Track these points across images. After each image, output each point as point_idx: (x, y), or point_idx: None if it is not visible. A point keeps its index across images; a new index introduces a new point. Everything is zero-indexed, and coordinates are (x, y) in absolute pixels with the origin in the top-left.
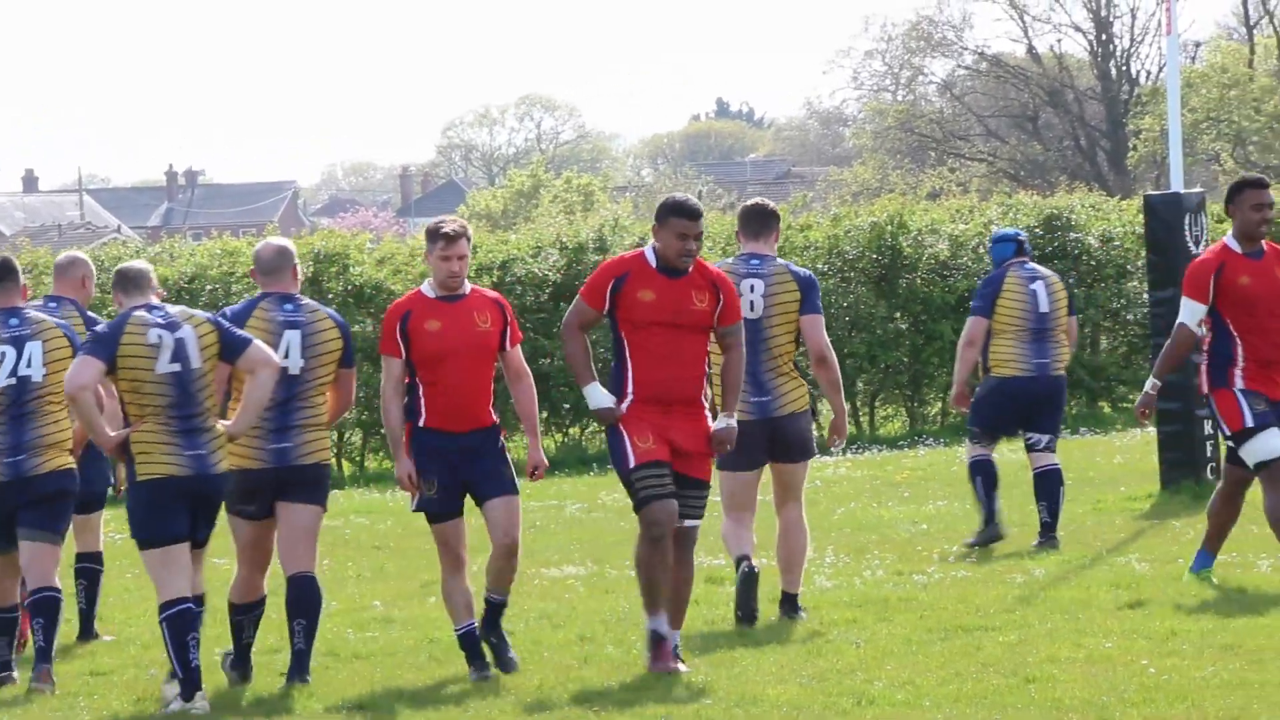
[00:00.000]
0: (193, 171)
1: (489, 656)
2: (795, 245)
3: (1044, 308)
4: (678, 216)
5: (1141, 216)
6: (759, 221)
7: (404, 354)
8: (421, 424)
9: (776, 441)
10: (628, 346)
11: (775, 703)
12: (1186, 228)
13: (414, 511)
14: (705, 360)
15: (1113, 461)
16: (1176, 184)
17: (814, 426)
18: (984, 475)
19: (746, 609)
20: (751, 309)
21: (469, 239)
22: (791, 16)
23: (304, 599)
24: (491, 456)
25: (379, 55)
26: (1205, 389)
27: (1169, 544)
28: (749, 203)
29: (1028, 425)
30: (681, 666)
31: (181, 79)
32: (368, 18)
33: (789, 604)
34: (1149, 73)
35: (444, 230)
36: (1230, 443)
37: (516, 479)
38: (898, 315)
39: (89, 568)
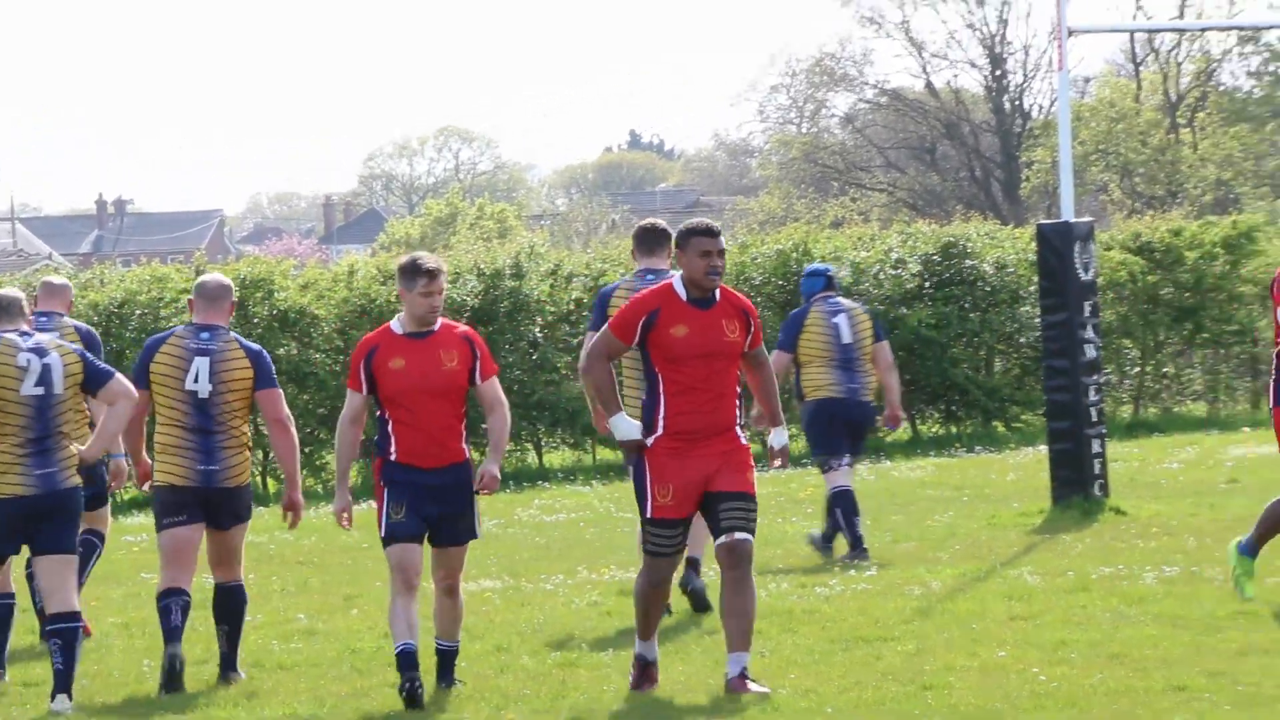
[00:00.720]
0: (122, 200)
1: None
2: None
3: (846, 339)
4: (698, 236)
5: (1034, 244)
6: (652, 239)
7: (366, 390)
8: (393, 458)
9: None
10: (661, 380)
11: (684, 710)
12: (1076, 255)
13: (383, 537)
14: (737, 387)
15: (1006, 479)
16: (1067, 213)
17: None
18: (843, 506)
19: (701, 607)
20: None
21: (445, 273)
22: (701, 52)
23: (229, 605)
24: (459, 501)
25: (302, 88)
26: (1272, 402)
27: (1059, 557)
28: (643, 223)
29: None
30: (755, 687)
31: (111, 110)
32: (291, 52)
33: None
34: (1041, 107)
35: (427, 267)
36: None
37: (478, 525)
38: None
39: (87, 539)
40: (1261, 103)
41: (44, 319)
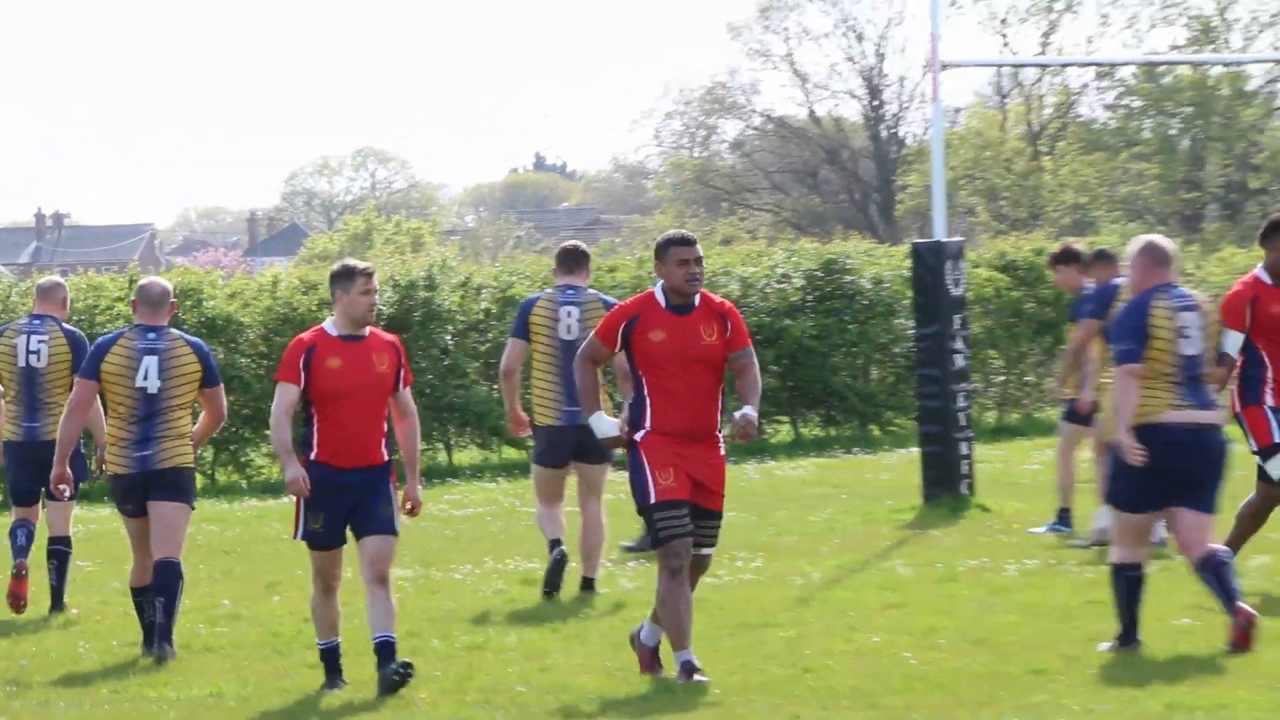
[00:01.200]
0: (59, 214)
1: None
2: (604, 285)
3: None
4: (675, 246)
5: (909, 261)
6: (573, 259)
7: (302, 385)
8: (314, 458)
9: (582, 445)
10: (645, 383)
11: (582, 690)
12: (948, 272)
13: (298, 540)
14: (720, 393)
15: (881, 478)
16: (939, 233)
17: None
18: None
19: (554, 584)
20: (568, 331)
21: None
22: (601, 80)
23: (164, 579)
24: (377, 496)
25: (229, 109)
26: (1237, 407)
27: (930, 550)
28: (565, 244)
29: None
30: (661, 672)
31: (48, 128)
32: (218, 76)
33: (588, 586)
34: (915, 135)
35: (363, 268)
36: (1257, 457)
37: (396, 520)
38: None
39: (60, 550)
40: (1115, 133)
41: (37, 322)
